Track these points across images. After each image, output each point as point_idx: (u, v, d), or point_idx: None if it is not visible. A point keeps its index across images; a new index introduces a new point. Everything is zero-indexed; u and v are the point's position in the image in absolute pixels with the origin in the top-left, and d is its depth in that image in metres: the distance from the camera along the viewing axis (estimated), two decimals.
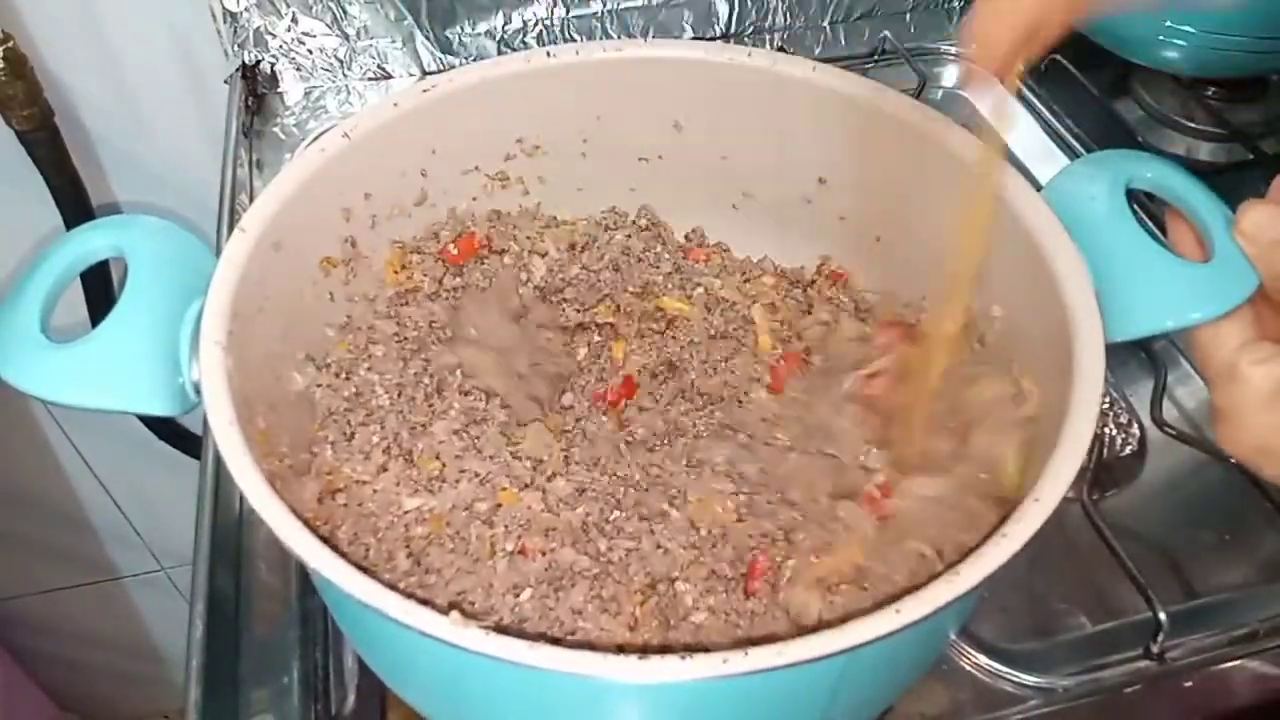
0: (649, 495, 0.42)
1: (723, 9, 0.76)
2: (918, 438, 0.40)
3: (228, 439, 0.32)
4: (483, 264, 0.49)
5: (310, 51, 0.71)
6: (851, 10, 0.78)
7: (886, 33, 0.76)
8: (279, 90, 0.72)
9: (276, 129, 0.70)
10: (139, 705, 1.30)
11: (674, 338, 0.48)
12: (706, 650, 0.27)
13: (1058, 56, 0.74)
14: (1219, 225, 0.36)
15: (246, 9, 0.68)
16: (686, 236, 0.53)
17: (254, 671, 0.44)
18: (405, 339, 0.46)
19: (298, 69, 0.71)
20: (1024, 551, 0.29)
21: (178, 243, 0.39)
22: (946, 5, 0.81)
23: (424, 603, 0.29)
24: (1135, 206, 0.39)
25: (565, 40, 0.73)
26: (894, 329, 0.45)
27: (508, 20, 0.73)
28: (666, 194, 0.52)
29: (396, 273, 0.47)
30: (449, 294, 0.47)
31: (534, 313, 0.48)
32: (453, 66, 0.69)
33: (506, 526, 0.39)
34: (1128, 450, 0.53)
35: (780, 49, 0.75)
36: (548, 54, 0.45)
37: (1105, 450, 0.53)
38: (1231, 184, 0.46)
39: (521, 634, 0.30)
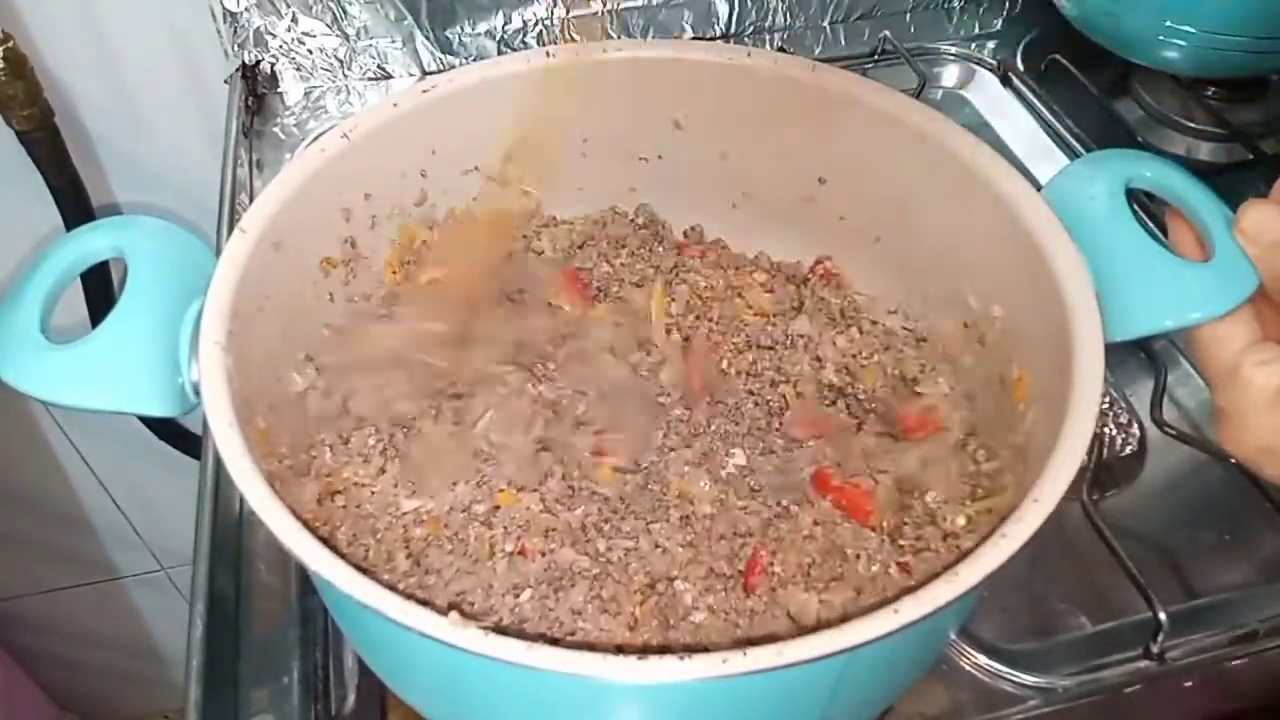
0: (643, 495, 0.42)
1: (723, 9, 0.76)
2: None
3: (227, 440, 0.32)
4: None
5: (310, 51, 0.71)
6: (851, 10, 0.79)
7: (886, 33, 0.76)
8: (279, 90, 0.72)
9: (276, 129, 0.70)
10: (139, 705, 1.30)
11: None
12: (706, 650, 0.27)
13: (1057, 56, 0.75)
14: (1219, 225, 0.36)
15: (246, 9, 0.68)
16: (685, 234, 0.53)
17: (254, 671, 0.44)
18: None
19: (298, 69, 0.71)
20: (1023, 551, 0.29)
21: (178, 243, 0.39)
22: (946, 5, 0.81)
23: (423, 603, 0.29)
24: (1135, 206, 0.39)
25: (565, 40, 0.73)
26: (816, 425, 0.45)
27: (508, 20, 0.73)
28: (666, 193, 0.52)
29: (394, 272, 0.47)
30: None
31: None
32: (453, 66, 0.69)
33: (505, 527, 0.39)
34: (1128, 450, 0.53)
35: (780, 49, 0.75)
36: (548, 54, 0.45)
37: (1105, 450, 0.53)
38: (1231, 184, 0.46)
39: (521, 634, 0.30)
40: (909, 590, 0.29)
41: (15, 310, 0.36)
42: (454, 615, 0.28)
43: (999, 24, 0.80)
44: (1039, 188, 0.39)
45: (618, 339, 0.47)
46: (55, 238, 0.40)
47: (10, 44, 0.63)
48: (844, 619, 0.28)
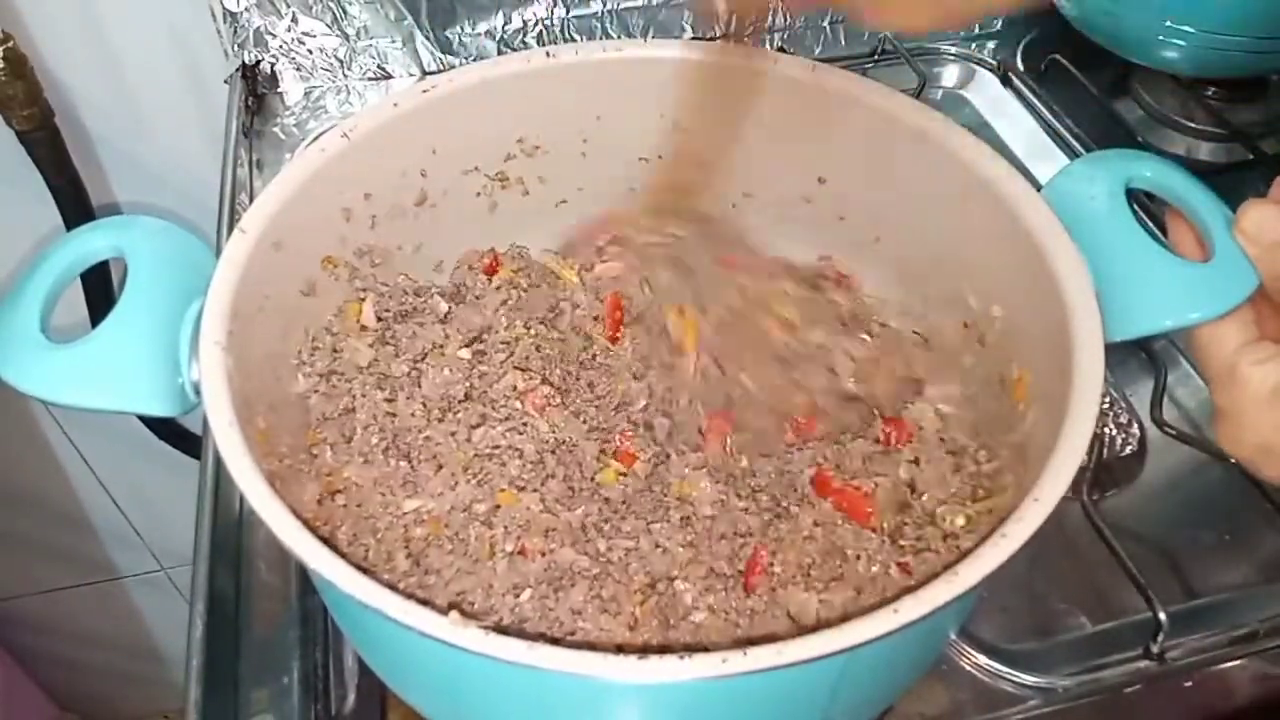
0: (644, 496, 0.42)
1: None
2: None
3: (228, 439, 0.32)
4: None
5: (310, 51, 0.71)
6: None
7: (886, 32, 0.76)
8: (279, 90, 0.72)
9: (276, 129, 0.70)
10: (139, 705, 1.30)
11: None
12: (706, 650, 0.27)
13: (1057, 56, 0.75)
14: (1219, 225, 0.36)
15: (246, 9, 0.68)
16: None
17: (254, 671, 0.44)
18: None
19: (298, 69, 0.71)
20: (1023, 551, 0.29)
21: (178, 243, 0.39)
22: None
23: (423, 603, 0.29)
24: (1135, 206, 0.39)
25: (565, 40, 0.73)
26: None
27: (508, 20, 0.73)
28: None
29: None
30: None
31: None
32: (453, 66, 0.69)
33: (506, 527, 0.39)
34: (1128, 450, 0.53)
35: (780, 49, 0.75)
36: (548, 54, 0.45)
37: (1105, 450, 0.53)
38: (1231, 184, 0.46)
39: (521, 634, 0.30)
40: (909, 590, 0.29)
41: (15, 310, 0.36)
42: (454, 615, 0.28)
43: (999, 24, 0.80)
44: (1039, 188, 0.39)
45: (641, 361, 0.47)
46: (55, 238, 0.40)
47: (10, 44, 0.63)
48: (844, 619, 0.28)
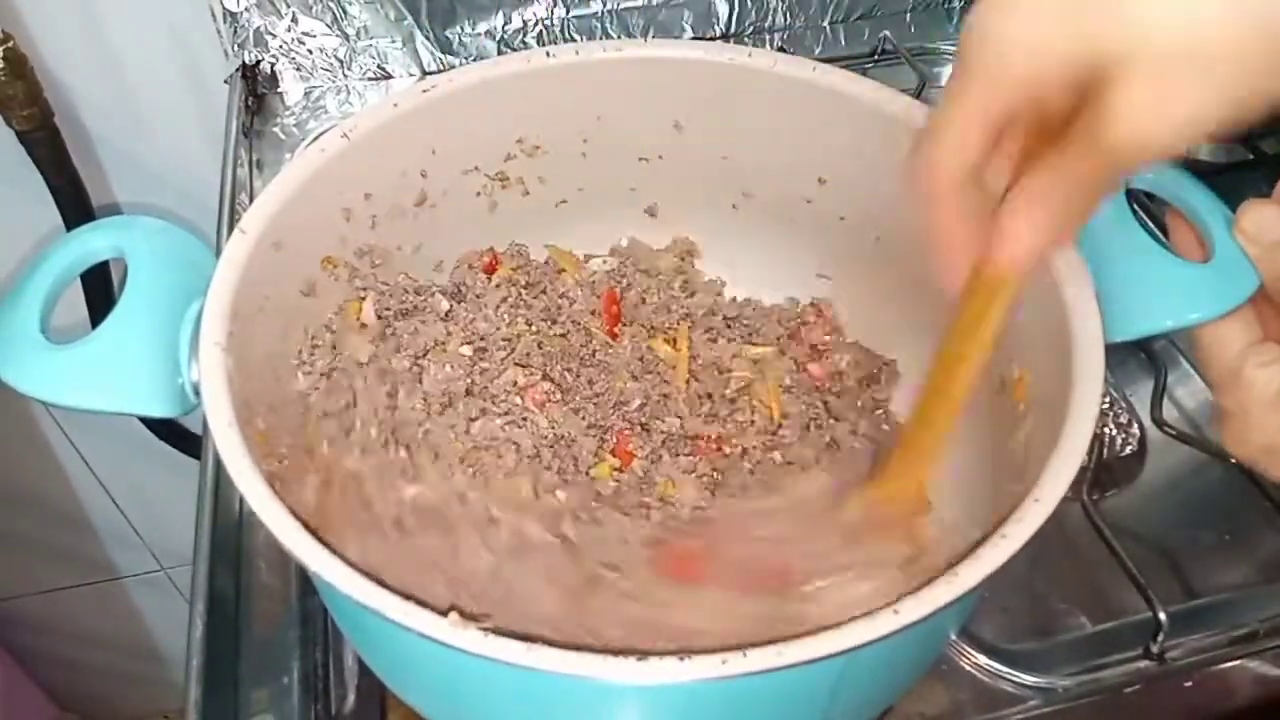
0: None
1: (723, 9, 0.76)
2: None
3: (227, 440, 0.32)
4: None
5: (310, 51, 0.71)
6: (851, 10, 0.78)
7: (886, 33, 0.76)
8: (279, 90, 0.72)
9: (276, 129, 0.70)
10: (139, 705, 1.30)
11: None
12: (705, 651, 0.27)
13: None
14: (1219, 225, 0.36)
15: (246, 9, 0.68)
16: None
17: (254, 671, 0.44)
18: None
19: (298, 69, 0.71)
20: (1023, 551, 0.29)
21: (178, 243, 0.39)
22: (946, 5, 0.81)
23: (421, 604, 0.29)
24: (1135, 206, 0.39)
25: (565, 40, 0.73)
26: None
27: (508, 20, 0.73)
28: (667, 194, 0.52)
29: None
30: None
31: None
32: (453, 66, 0.69)
33: (489, 505, 0.40)
34: (1128, 450, 0.53)
35: (780, 49, 0.75)
36: (548, 54, 0.45)
37: (1105, 450, 0.53)
38: (1231, 184, 0.46)
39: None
40: (909, 590, 0.29)
41: (15, 310, 0.36)
42: (454, 615, 0.28)
43: None
44: None
45: (639, 361, 0.48)
46: (55, 238, 0.40)
47: (10, 44, 0.63)
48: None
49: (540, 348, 0.47)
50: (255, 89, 0.71)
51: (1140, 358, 0.56)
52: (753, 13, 0.76)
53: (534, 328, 0.48)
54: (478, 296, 0.48)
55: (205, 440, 0.49)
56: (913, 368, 0.50)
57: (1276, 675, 0.45)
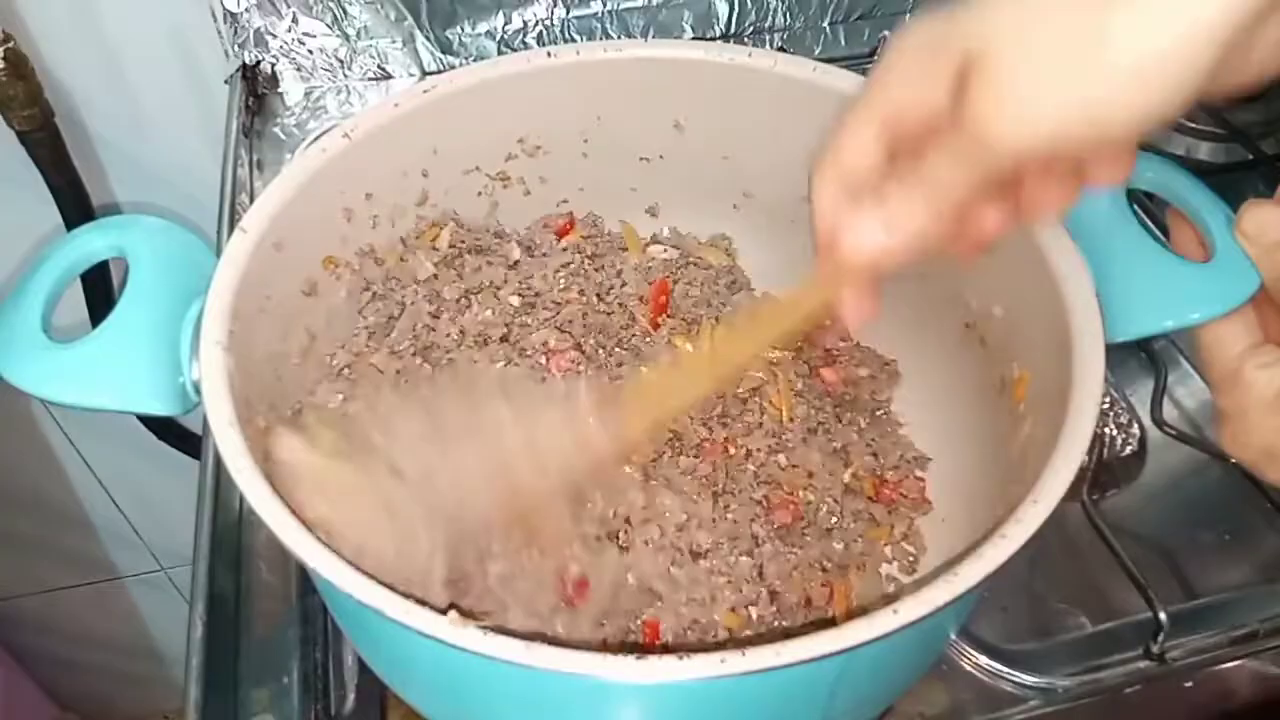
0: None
1: (723, 9, 0.76)
2: None
3: (227, 439, 0.32)
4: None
5: (310, 52, 0.71)
6: (851, 10, 0.78)
7: (886, 33, 0.76)
8: (279, 90, 0.72)
9: (277, 129, 0.70)
10: (139, 705, 1.30)
11: None
12: (704, 650, 0.27)
13: None
14: (1220, 225, 0.36)
15: (247, 9, 0.68)
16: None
17: (254, 671, 0.44)
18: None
19: (298, 69, 0.71)
20: (1023, 552, 0.29)
21: (178, 243, 0.39)
22: (946, 6, 0.81)
23: (421, 603, 0.29)
24: (1135, 206, 0.39)
25: (565, 40, 0.73)
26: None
27: (508, 20, 0.73)
28: (667, 194, 0.52)
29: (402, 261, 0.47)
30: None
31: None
32: (453, 67, 0.69)
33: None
34: (1128, 450, 0.53)
35: (780, 49, 0.75)
36: (548, 54, 0.45)
37: (1105, 450, 0.53)
38: (1231, 184, 0.46)
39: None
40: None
41: (17, 310, 0.36)
42: (453, 614, 0.28)
43: None
44: None
45: (668, 355, 0.48)
46: (56, 237, 0.40)
47: (11, 44, 0.63)
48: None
49: (584, 318, 0.47)
50: (256, 89, 0.71)
51: (1140, 358, 0.56)
52: (753, 13, 0.76)
53: (585, 297, 0.48)
54: (544, 255, 0.49)
55: (205, 440, 0.49)
56: (913, 368, 0.50)
57: (1276, 675, 0.45)
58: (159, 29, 0.70)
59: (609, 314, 0.49)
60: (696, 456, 0.44)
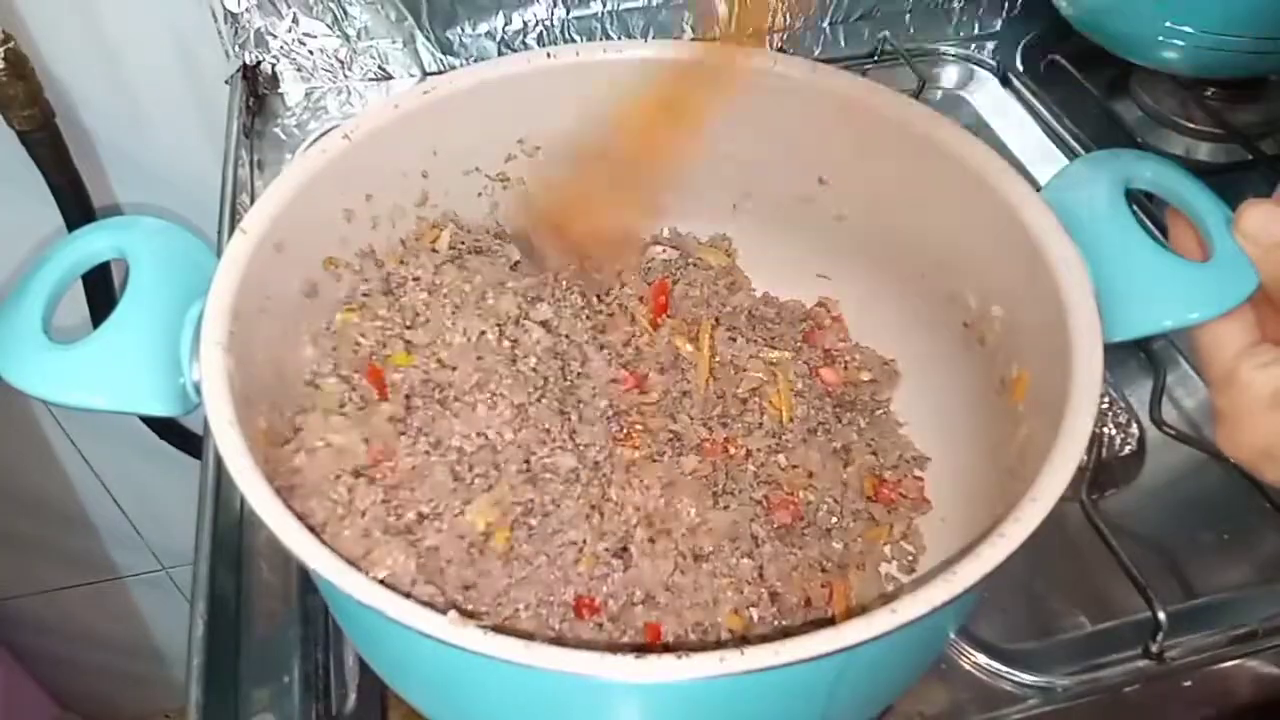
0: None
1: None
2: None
3: (228, 440, 0.32)
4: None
5: (311, 52, 0.71)
6: (851, 11, 0.79)
7: (886, 33, 0.77)
8: (279, 91, 0.72)
9: (277, 129, 0.70)
10: (139, 705, 1.30)
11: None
12: (703, 650, 0.27)
13: (1057, 57, 0.75)
14: (1219, 225, 0.36)
15: (247, 10, 0.68)
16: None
17: (254, 671, 0.44)
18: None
19: (298, 70, 0.71)
20: (1022, 551, 0.29)
21: (179, 244, 0.39)
22: (946, 6, 0.81)
23: (422, 603, 0.29)
24: (1135, 206, 0.39)
25: (565, 41, 0.73)
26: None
27: (508, 21, 0.73)
28: (666, 195, 0.52)
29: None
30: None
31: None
32: (453, 67, 0.69)
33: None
34: (1127, 450, 0.53)
35: (780, 49, 0.75)
36: (548, 54, 0.45)
37: (1104, 450, 0.53)
38: (1231, 184, 0.46)
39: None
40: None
41: (17, 310, 0.36)
42: (453, 614, 0.28)
43: (998, 24, 0.80)
44: (1038, 188, 0.39)
45: (668, 356, 0.48)
46: (56, 238, 0.40)
47: (11, 44, 0.63)
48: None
49: (586, 319, 0.47)
50: (256, 89, 0.71)
51: (1140, 358, 0.56)
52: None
53: (586, 298, 0.48)
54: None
55: (206, 440, 0.49)
56: (913, 368, 0.50)
57: (1276, 675, 0.45)
58: (159, 29, 0.70)
59: (610, 315, 0.49)
60: (697, 456, 0.44)
